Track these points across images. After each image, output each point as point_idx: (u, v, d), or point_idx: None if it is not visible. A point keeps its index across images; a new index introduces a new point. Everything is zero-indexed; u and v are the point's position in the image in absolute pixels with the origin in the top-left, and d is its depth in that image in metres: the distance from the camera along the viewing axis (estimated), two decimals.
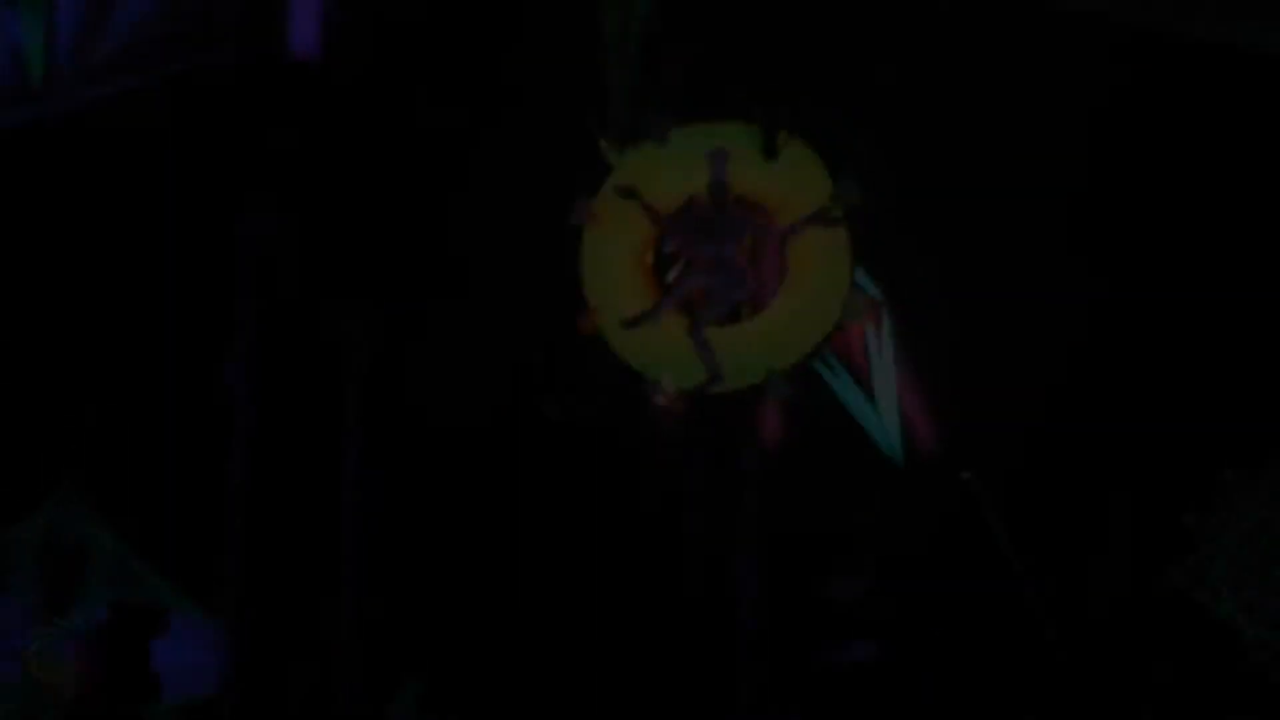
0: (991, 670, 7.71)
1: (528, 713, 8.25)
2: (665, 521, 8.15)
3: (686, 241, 7.87)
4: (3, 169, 8.50)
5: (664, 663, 8.16)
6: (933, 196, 7.87)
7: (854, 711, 7.86)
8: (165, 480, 8.50)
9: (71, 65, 8.28)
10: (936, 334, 8.21)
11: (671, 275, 7.89)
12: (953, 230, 8.02)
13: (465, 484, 8.62)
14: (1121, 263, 8.08)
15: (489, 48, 8.32)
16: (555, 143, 8.04)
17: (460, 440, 8.69)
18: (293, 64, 8.18)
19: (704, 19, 7.86)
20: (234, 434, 8.44)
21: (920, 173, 7.87)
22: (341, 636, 7.81)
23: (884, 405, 8.39)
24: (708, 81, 7.93)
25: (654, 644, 8.19)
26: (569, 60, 7.95)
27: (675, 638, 8.13)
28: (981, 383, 8.15)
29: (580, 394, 8.11)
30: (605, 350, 7.97)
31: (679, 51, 7.86)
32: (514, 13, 8.03)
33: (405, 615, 8.29)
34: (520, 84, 8.19)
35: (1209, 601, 7.58)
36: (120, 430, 8.63)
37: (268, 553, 8.28)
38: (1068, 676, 7.50)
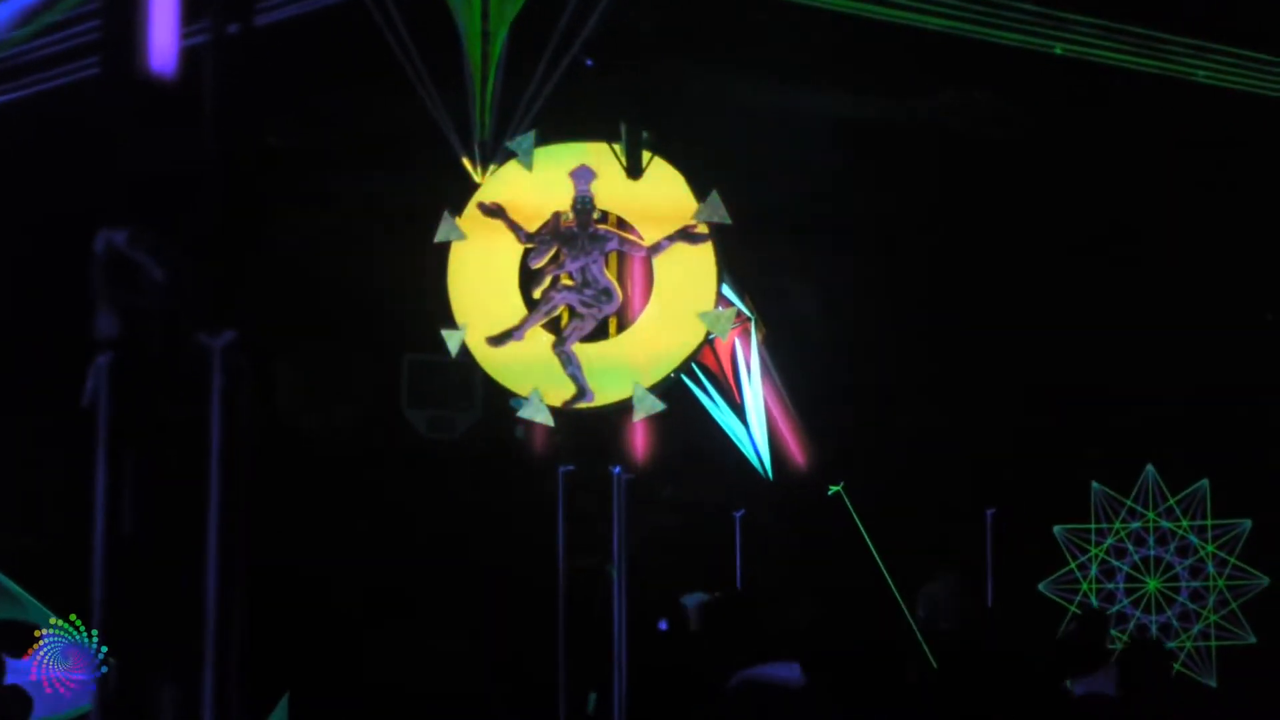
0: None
1: None
2: (535, 534, 8.16)
3: (552, 258, 7.85)
4: None
5: (535, 670, 8.19)
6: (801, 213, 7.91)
7: None
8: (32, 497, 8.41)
9: None
10: (805, 347, 8.28)
11: (537, 291, 7.87)
12: (821, 247, 8.07)
13: (334, 499, 8.60)
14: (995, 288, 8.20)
15: (351, 69, 8.26)
16: (421, 162, 7.99)
17: (329, 454, 8.66)
18: (150, 79, 8.06)
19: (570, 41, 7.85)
20: (95, 449, 8.31)
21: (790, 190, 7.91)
22: (212, 652, 7.71)
23: (753, 418, 8.45)
24: (573, 100, 7.91)
25: (526, 650, 8.21)
26: (433, 81, 7.89)
27: (546, 646, 8.15)
28: (849, 397, 8.23)
29: None
30: (473, 366, 7.94)
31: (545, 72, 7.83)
32: (377, 36, 7.94)
33: (277, 629, 8.25)
34: (384, 105, 8.13)
35: None
36: None
37: (133, 569, 8.18)
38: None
